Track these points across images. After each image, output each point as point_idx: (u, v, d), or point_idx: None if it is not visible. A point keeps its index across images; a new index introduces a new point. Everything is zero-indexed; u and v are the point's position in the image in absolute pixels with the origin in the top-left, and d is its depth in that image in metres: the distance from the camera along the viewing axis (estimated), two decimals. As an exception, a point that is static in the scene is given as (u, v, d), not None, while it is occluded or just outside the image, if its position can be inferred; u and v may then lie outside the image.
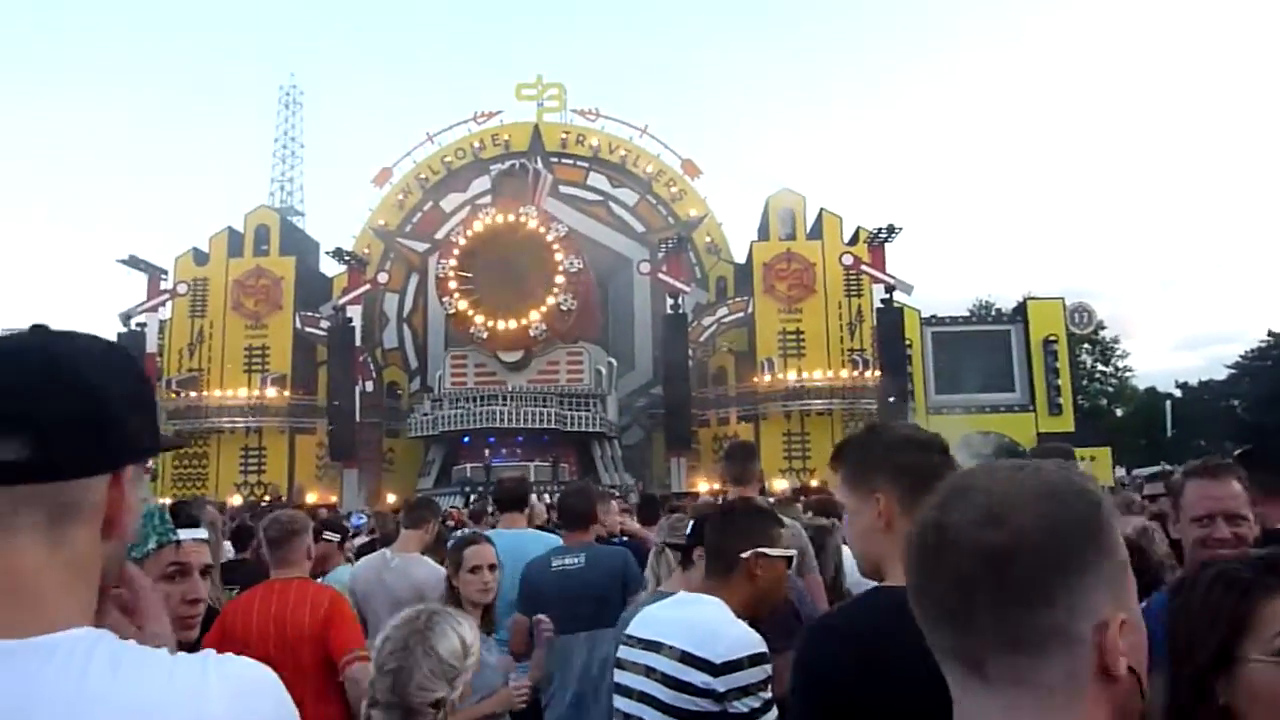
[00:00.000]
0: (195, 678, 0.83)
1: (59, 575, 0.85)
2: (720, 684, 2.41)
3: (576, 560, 4.17)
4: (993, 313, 38.90)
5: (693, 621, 2.45)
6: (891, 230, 28.89)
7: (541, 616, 3.69)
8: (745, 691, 2.42)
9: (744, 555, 2.50)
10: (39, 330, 0.93)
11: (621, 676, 2.54)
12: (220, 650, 0.91)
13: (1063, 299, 32.75)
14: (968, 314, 38.28)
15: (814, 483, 23.34)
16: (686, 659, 2.40)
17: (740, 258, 34.86)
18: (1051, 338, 31.27)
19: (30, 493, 0.84)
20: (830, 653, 1.65)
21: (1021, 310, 33.02)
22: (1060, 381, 31.13)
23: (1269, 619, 1.17)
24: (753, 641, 2.49)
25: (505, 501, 5.21)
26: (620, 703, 2.53)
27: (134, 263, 30.33)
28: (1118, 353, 47.21)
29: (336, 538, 5.37)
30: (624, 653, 2.57)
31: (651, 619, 2.56)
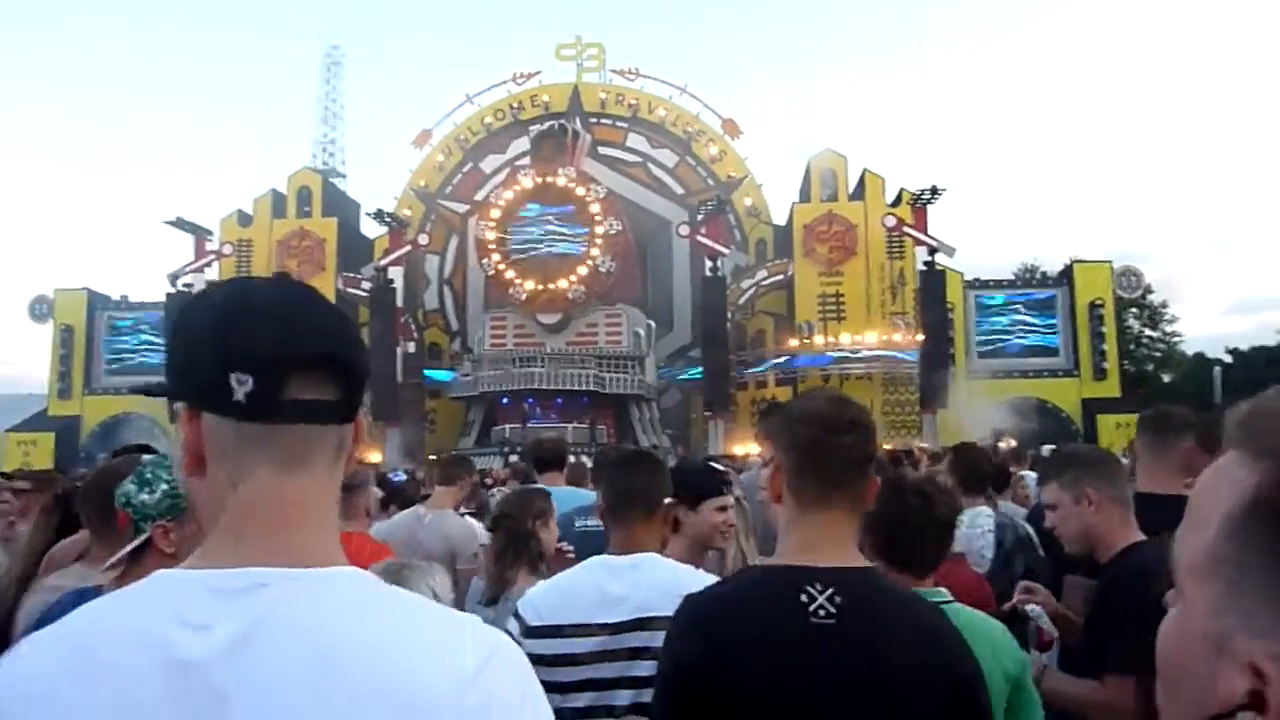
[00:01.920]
0: (455, 628, 0.89)
1: (329, 511, 0.93)
2: None
3: (599, 522, 4.09)
4: (1038, 276, 38.22)
5: (667, 582, 2.23)
6: (935, 191, 28.40)
7: (564, 544, 3.62)
8: None
9: (669, 501, 2.44)
10: (291, 279, 0.98)
11: (588, 671, 2.19)
12: None
13: (1110, 262, 32.10)
14: (1012, 277, 37.61)
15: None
16: None
17: (781, 220, 34.54)
18: (1098, 302, 30.70)
19: (327, 433, 0.91)
20: (691, 635, 1.62)
21: (1068, 273, 32.41)
22: (1106, 346, 30.59)
23: None
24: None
25: (547, 460, 5.26)
26: (592, 698, 2.18)
27: (180, 224, 30.78)
28: (1166, 317, 46.13)
29: (379, 494, 5.51)
30: (582, 645, 2.19)
31: (605, 596, 2.25)
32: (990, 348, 31.30)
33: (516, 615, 2.28)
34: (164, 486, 2.32)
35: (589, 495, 4.99)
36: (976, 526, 4.11)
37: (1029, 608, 2.55)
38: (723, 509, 2.90)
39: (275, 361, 0.87)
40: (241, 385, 0.86)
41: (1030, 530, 4.15)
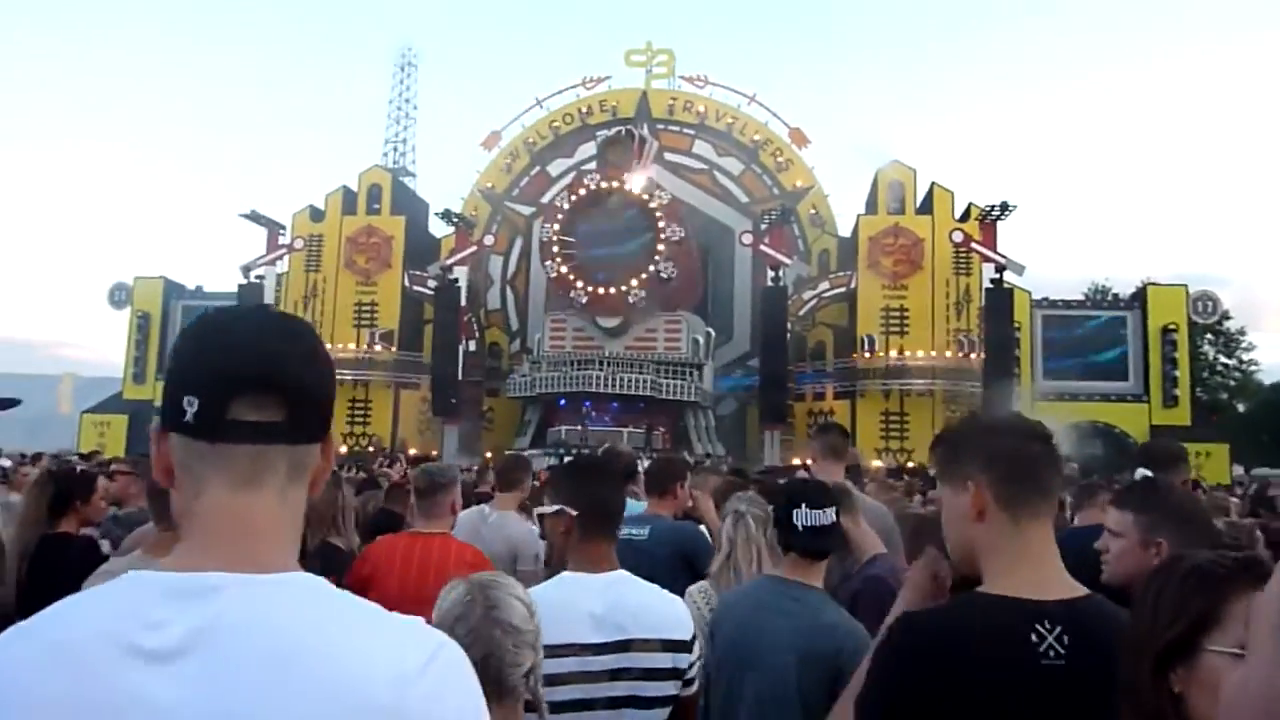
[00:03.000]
0: (401, 631, 0.94)
1: (285, 525, 0.98)
2: (691, 657, 2.32)
3: (642, 532, 3.99)
4: (1109, 297, 37.29)
5: (645, 605, 2.30)
6: (1005, 207, 27.89)
7: None
8: (696, 659, 2.36)
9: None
10: (267, 308, 1.07)
11: (568, 692, 2.15)
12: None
13: (1185, 286, 31.17)
14: (1082, 298, 36.72)
15: (910, 464, 22.92)
16: (668, 646, 2.28)
17: (845, 231, 34.22)
18: (1171, 326, 29.83)
19: (278, 453, 0.96)
20: (912, 664, 1.53)
21: (1140, 296, 31.54)
22: (1178, 372, 29.70)
23: (1237, 615, 1.19)
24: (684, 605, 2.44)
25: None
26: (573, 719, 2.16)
27: (255, 218, 31.59)
28: (1243, 345, 44.70)
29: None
30: (563, 665, 2.15)
31: (586, 615, 2.23)
32: (1057, 370, 30.61)
33: None
34: None
35: (636, 505, 4.99)
36: None
37: None
38: None
39: (216, 384, 0.94)
40: (190, 407, 0.93)
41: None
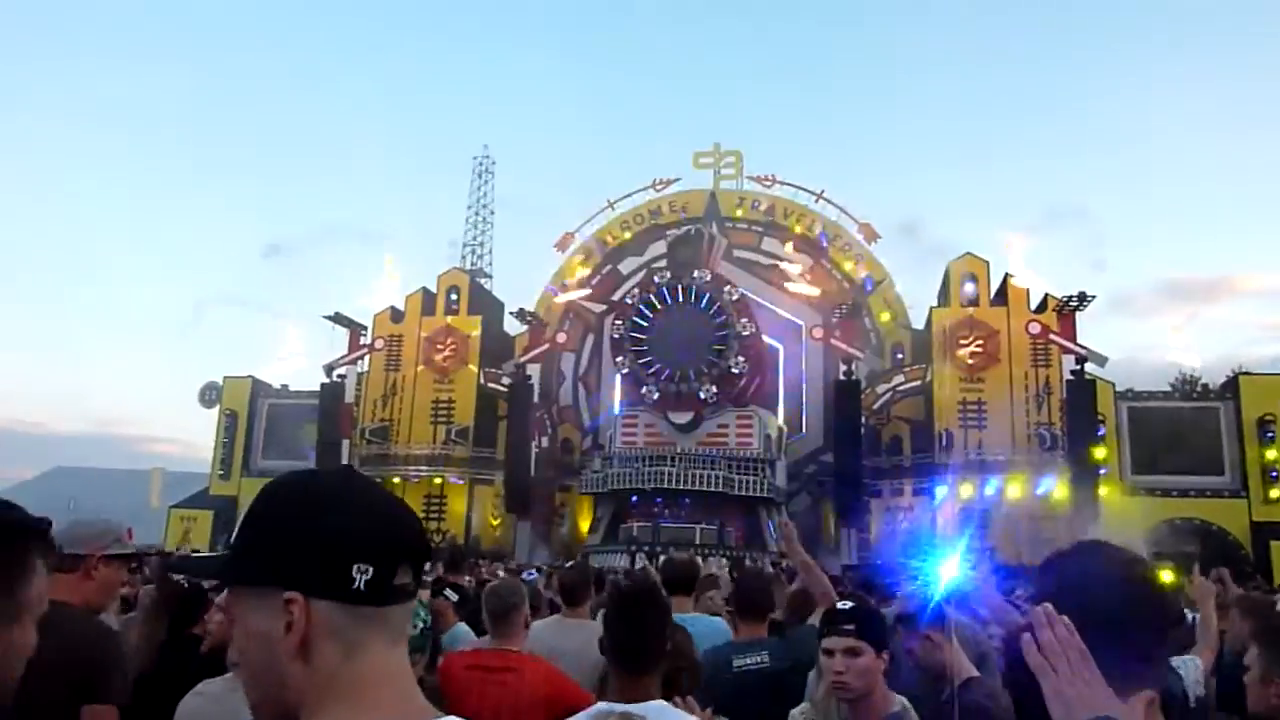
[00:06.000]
0: None
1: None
2: None
3: (759, 659, 3.72)
4: (1199, 388, 35.99)
5: None
6: (1083, 298, 27.43)
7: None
8: None
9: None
10: (356, 471, 1.12)
11: None
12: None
13: (1281, 374, 30.00)
14: (1169, 388, 35.51)
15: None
16: None
17: (919, 324, 33.95)
18: (1268, 417, 28.60)
19: (410, 608, 1.07)
20: None
21: (1232, 385, 30.41)
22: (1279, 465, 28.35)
23: None
24: None
25: (673, 583, 4.77)
26: None
27: (338, 319, 32.78)
28: (1349, 436, 42.52)
29: (455, 597, 5.31)
30: None
31: None
32: (1147, 464, 29.46)
33: None
34: (420, 624, 2.77)
35: (717, 622, 4.61)
36: None
37: None
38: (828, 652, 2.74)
39: (388, 553, 1.01)
40: (363, 574, 0.98)
41: None
